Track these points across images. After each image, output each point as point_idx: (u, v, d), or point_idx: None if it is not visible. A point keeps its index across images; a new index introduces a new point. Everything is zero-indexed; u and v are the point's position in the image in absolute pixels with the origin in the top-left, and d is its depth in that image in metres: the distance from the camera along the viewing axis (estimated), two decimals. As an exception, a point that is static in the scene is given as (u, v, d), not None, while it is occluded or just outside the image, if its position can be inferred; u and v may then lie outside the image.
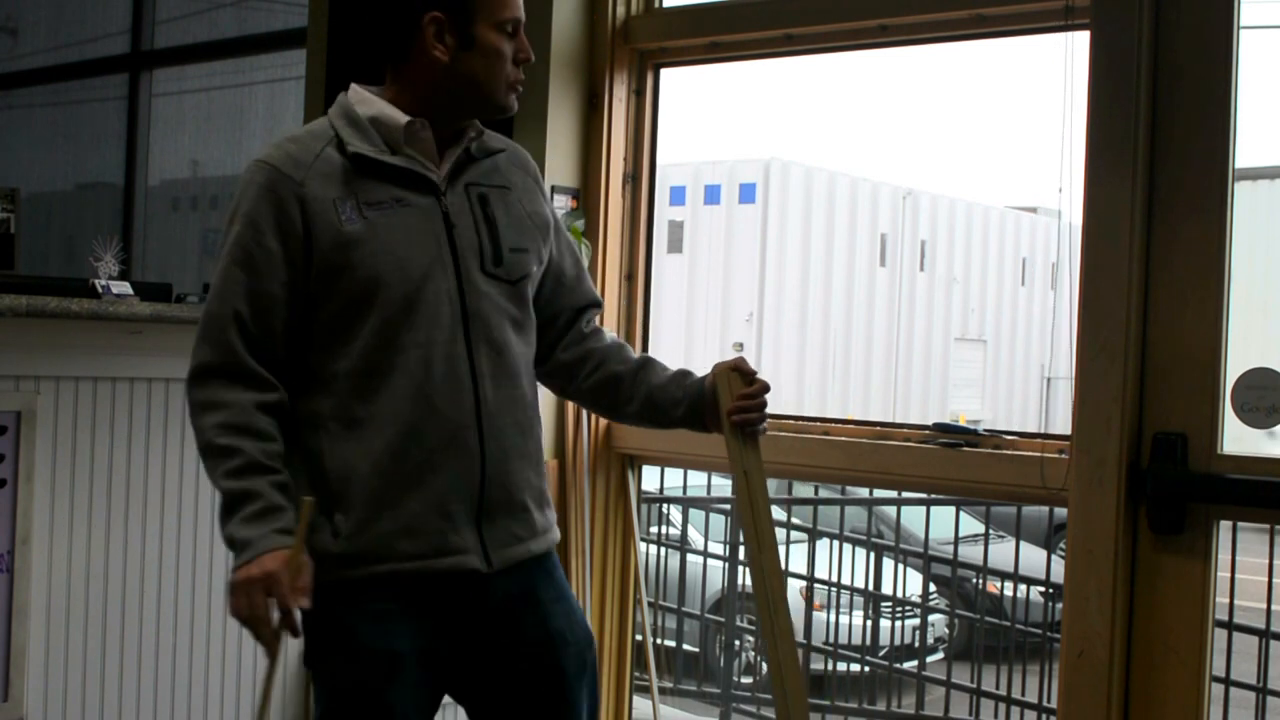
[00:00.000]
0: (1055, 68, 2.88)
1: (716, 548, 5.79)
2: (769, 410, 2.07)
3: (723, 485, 5.39)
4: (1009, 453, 3.00)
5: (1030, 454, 2.96)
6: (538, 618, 1.99)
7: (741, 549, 5.65)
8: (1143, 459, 2.68)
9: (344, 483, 1.85)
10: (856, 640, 5.76)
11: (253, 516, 1.79)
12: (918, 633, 6.08)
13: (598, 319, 2.19)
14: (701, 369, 2.16)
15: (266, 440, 1.83)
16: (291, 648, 2.90)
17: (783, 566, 2.06)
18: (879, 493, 6.08)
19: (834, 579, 5.60)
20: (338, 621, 1.85)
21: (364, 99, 1.93)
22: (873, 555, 5.71)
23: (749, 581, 5.99)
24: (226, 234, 1.88)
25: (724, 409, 2.04)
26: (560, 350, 2.13)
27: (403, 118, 1.89)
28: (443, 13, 1.87)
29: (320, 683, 1.93)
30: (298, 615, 1.80)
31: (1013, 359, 19.88)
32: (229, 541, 1.82)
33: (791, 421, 3.37)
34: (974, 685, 5.40)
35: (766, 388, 2.05)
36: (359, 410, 1.87)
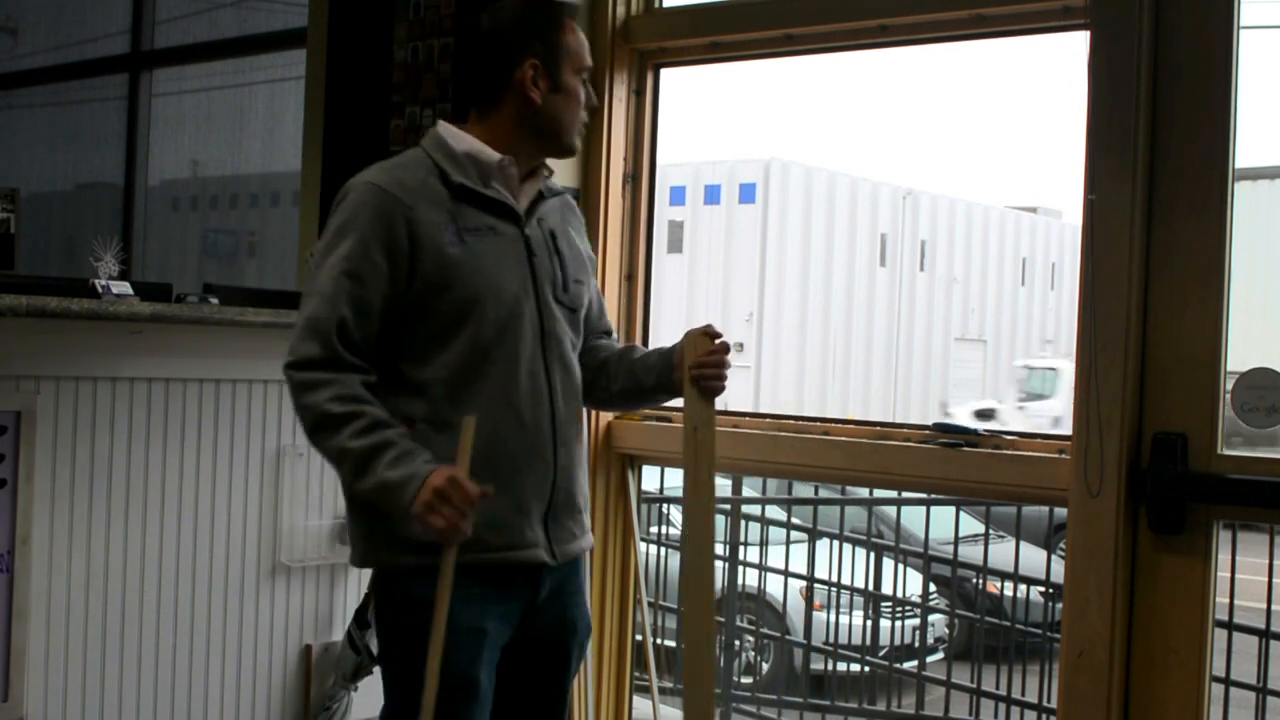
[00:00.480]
0: (1056, 68, 2.88)
1: (716, 548, 5.78)
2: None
3: (723, 486, 5.39)
4: (1009, 453, 3.00)
5: (1030, 454, 2.96)
6: (559, 607, 2.24)
7: (741, 549, 5.66)
8: (1143, 459, 2.68)
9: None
10: (856, 640, 5.76)
11: (398, 459, 1.97)
12: (918, 633, 6.07)
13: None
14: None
15: (378, 407, 2.03)
16: (291, 639, 2.90)
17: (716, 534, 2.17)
18: (879, 493, 6.07)
19: (834, 579, 5.60)
20: (430, 603, 1.97)
21: (455, 135, 2.15)
22: (873, 555, 5.71)
23: (749, 581, 6.00)
24: (333, 246, 2.06)
25: (686, 364, 2.22)
26: None
27: (494, 155, 2.13)
28: (539, 59, 2.14)
29: (403, 660, 2.10)
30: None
31: (1013, 359, 19.87)
32: (379, 488, 1.97)
33: (791, 421, 3.37)
34: (974, 685, 5.40)
35: (727, 348, 2.24)
36: (451, 415, 2.05)
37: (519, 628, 2.17)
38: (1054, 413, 11.98)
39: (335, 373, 2.01)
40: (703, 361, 2.21)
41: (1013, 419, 12.60)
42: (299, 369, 2.03)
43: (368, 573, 3.01)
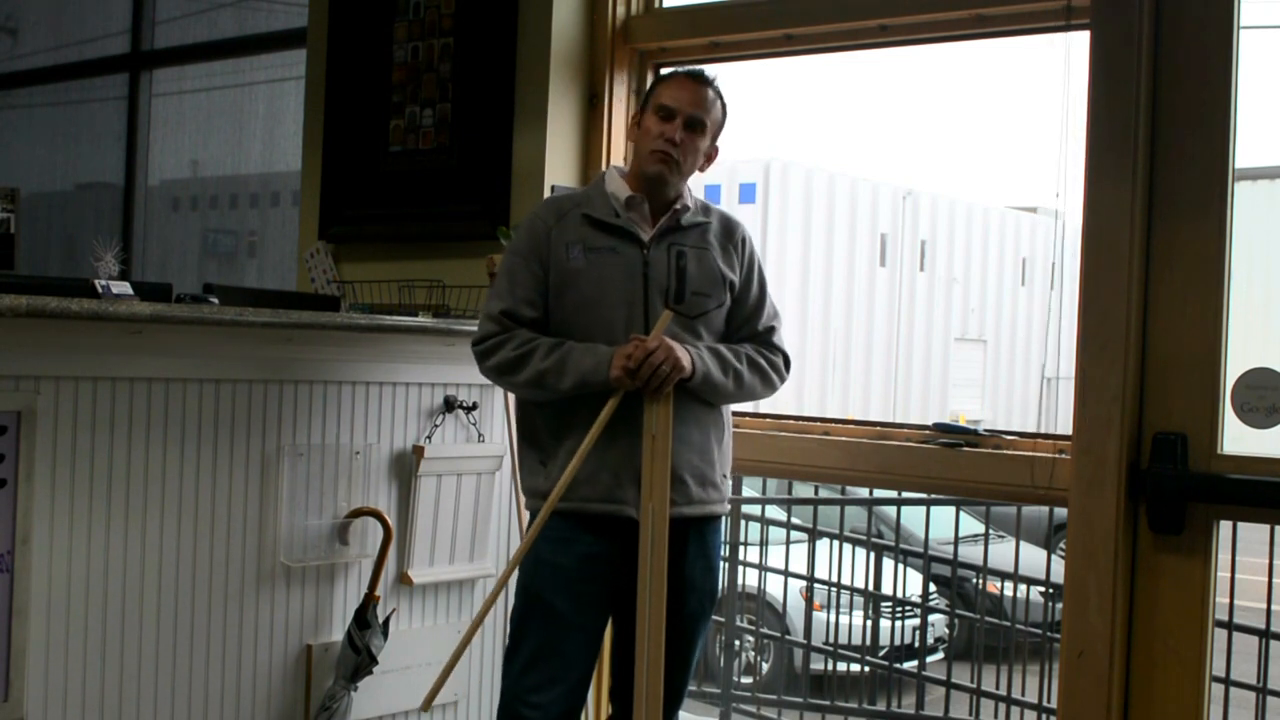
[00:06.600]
0: (1055, 68, 2.89)
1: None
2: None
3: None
4: (1009, 453, 3.00)
5: (1030, 454, 2.96)
6: (675, 566, 2.56)
7: (741, 549, 5.65)
8: (1143, 459, 2.68)
9: (555, 444, 2.58)
10: (856, 640, 5.76)
11: (583, 352, 2.51)
12: (918, 633, 6.07)
13: (773, 338, 2.76)
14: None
15: (547, 338, 2.56)
16: (291, 639, 2.90)
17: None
18: (879, 493, 6.07)
19: (834, 579, 5.60)
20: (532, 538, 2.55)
21: (612, 178, 2.71)
22: (873, 555, 5.71)
23: (749, 581, 5.97)
24: (507, 256, 2.67)
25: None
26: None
27: (625, 193, 2.65)
28: (638, 113, 2.71)
29: (518, 584, 2.67)
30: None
31: (1013, 359, 19.87)
32: (580, 384, 2.50)
33: (791, 421, 3.37)
34: (974, 685, 5.40)
35: (646, 352, 2.54)
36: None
37: (631, 581, 2.53)
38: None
39: (506, 334, 2.57)
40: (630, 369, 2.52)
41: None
42: (477, 344, 2.63)
43: (368, 573, 3.02)
